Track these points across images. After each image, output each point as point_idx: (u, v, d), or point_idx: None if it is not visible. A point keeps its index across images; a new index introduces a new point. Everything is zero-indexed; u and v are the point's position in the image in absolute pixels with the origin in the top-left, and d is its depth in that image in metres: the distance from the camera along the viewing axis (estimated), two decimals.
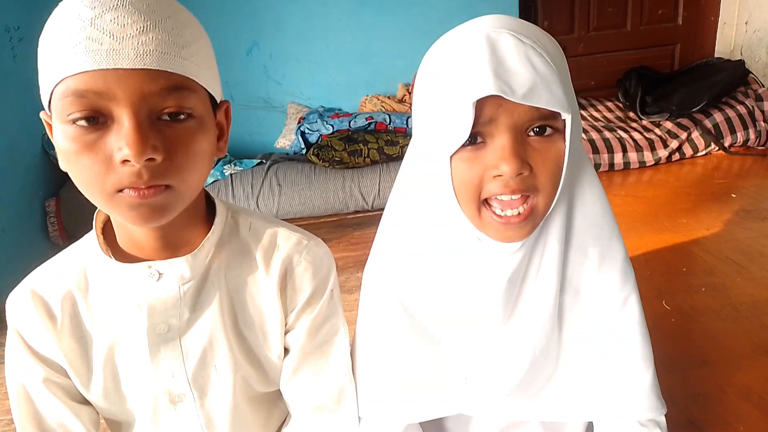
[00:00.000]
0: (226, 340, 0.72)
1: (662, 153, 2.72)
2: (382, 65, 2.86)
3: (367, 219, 2.38)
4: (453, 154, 0.64)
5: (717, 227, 2.03)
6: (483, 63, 0.60)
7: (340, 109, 2.83)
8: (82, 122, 0.57)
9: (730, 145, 2.76)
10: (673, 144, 2.72)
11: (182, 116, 0.60)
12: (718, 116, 2.77)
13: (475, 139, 0.64)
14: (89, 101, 0.56)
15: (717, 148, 2.76)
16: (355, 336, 0.83)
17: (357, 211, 2.45)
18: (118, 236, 0.69)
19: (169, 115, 0.59)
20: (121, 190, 0.58)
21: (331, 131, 2.43)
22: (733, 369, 1.30)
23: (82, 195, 0.55)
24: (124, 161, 0.57)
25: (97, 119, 0.57)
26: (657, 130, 2.82)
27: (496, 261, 0.71)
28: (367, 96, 2.83)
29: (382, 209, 2.57)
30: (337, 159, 2.34)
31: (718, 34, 3.25)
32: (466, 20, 2.42)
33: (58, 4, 0.55)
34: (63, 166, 0.62)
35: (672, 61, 3.32)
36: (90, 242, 0.72)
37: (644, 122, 2.92)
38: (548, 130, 0.64)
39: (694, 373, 1.30)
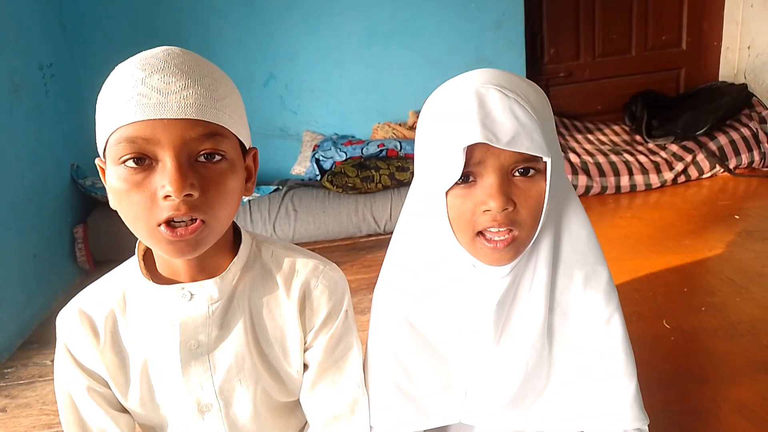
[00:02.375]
0: (249, 355, 0.81)
1: (668, 175, 2.77)
2: (393, 93, 2.97)
3: (379, 242, 2.46)
4: (448, 191, 0.74)
5: (719, 248, 2.08)
6: (472, 114, 0.70)
7: (353, 136, 2.94)
8: (131, 163, 0.67)
9: (735, 167, 2.81)
10: (679, 166, 2.78)
11: (216, 158, 0.70)
12: (722, 139, 2.83)
13: (467, 178, 0.73)
14: (138, 146, 0.66)
15: (722, 170, 2.81)
16: (367, 350, 0.91)
17: (369, 235, 2.53)
18: (156, 262, 0.79)
19: (204, 156, 0.69)
20: (160, 225, 0.68)
21: (344, 158, 2.53)
22: (729, 385, 1.35)
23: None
24: (166, 197, 0.66)
25: (144, 161, 0.67)
26: (663, 153, 2.89)
27: (487, 285, 0.80)
28: (379, 123, 2.93)
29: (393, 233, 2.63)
30: (350, 185, 2.44)
31: (721, 58, 3.33)
32: (472, 49, 2.62)
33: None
34: (113, 204, 0.73)
35: (677, 84, 3.39)
36: (131, 267, 0.81)
37: (650, 145, 2.99)
38: (531, 171, 0.73)
39: (690, 389, 1.36)
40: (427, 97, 3.07)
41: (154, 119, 0.65)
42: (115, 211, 2.51)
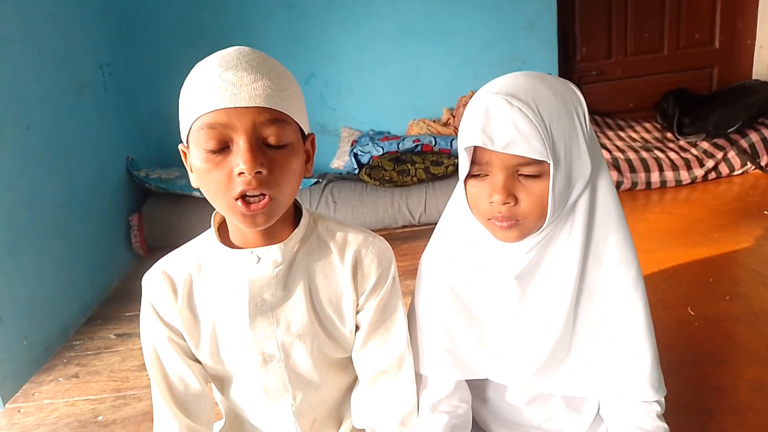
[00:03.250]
0: (307, 315, 0.93)
1: (698, 172, 2.81)
2: (427, 91, 3.08)
3: (414, 233, 2.57)
4: (467, 182, 0.88)
5: (747, 242, 2.13)
6: (476, 120, 0.82)
7: (388, 132, 3.06)
8: (212, 146, 0.79)
9: (767, 164, 2.83)
10: (710, 163, 2.82)
11: (281, 142, 0.82)
12: (754, 136, 2.85)
13: (481, 172, 0.86)
14: (217, 131, 0.79)
15: (753, 167, 2.84)
16: (411, 310, 1.02)
17: (405, 226, 2.65)
18: (231, 231, 0.91)
19: (271, 140, 0.81)
20: (237, 199, 0.80)
21: (381, 153, 2.65)
22: (748, 366, 1.43)
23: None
24: (240, 173, 0.79)
25: (221, 144, 0.79)
26: (693, 150, 2.92)
27: (509, 259, 0.92)
28: (414, 120, 3.05)
29: (428, 224, 2.80)
30: (387, 178, 2.56)
31: (755, 56, 3.34)
32: (504, 48, 2.75)
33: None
34: (195, 182, 0.85)
35: (710, 83, 3.41)
36: (207, 237, 0.94)
37: (681, 142, 3.02)
38: (536, 172, 0.84)
39: (711, 369, 1.44)
40: (460, 94, 3.21)
41: (230, 107, 0.78)
42: (168, 201, 2.72)
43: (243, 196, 0.80)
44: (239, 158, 0.78)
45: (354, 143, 2.85)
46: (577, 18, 3.23)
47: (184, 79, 0.85)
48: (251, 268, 0.90)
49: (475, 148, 0.84)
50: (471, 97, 3.02)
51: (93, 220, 2.30)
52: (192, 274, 0.93)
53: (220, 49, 0.85)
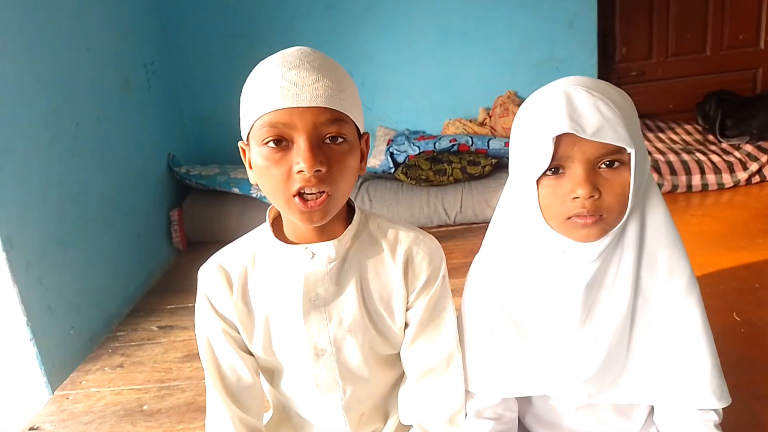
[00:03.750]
0: (359, 310, 0.94)
1: (741, 175, 2.74)
2: (463, 91, 3.07)
3: (449, 233, 2.57)
4: (539, 181, 0.84)
5: None
6: (561, 109, 0.80)
7: (424, 132, 3.06)
8: (272, 144, 0.81)
9: None
10: (753, 167, 2.75)
11: (339, 140, 0.83)
12: None
13: (557, 170, 0.83)
14: (278, 130, 0.80)
15: None
16: (459, 319, 1.02)
17: (440, 225, 2.64)
18: (286, 226, 0.93)
19: (330, 139, 0.82)
20: (294, 196, 0.82)
21: (417, 152, 2.65)
22: None
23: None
24: (300, 171, 0.80)
25: (281, 142, 0.81)
26: (736, 153, 2.86)
27: (576, 270, 0.89)
28: (450, 119, 3.04)
29: (464, 224, 2.77)
30: (423, 177, 2.56)
31: None
32: (543, 49, 2.77)
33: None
34: (254, 179, 0.87)
35: (753, 85, 3.33)
36: (262, 231, 0.96)
37: (723, 145, 2.96)
38: (616, 163, 0.82)
39: (759, 376, 1.40)
40: (497, 94, 3.20)
41: (292, 107, 0.79)
42: (207, 197, 2.76)
43: (300, 193, 0.81)
44: (299, 156, 0.79)
45: (390, 142, 2.86)
46: (617, 18, 3.18)
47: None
48: (306, 263, 0.91)
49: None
50: (508, 97, 3.02)
51: (136, 215, 2.36)
52: (247, 267, 0.95)
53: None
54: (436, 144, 2.67)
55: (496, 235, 1.00)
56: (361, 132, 0.90)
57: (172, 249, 2.63)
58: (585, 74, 3.02)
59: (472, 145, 2.64)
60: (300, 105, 0.79)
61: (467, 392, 1.00)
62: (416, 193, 2.63)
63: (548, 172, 0.83)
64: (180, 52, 2.91)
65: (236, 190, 2.56)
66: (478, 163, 2.56)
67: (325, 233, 0.92)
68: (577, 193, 0.81)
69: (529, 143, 0.85)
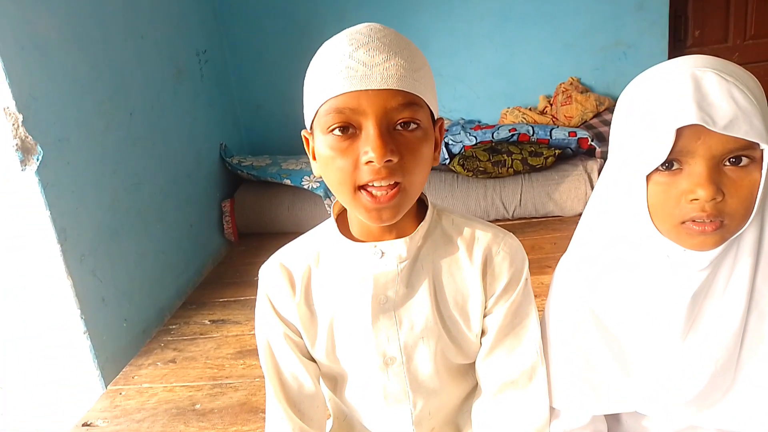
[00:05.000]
0: (432, 315, 0.85)
1: None
2: (522, 78, 2.92)
3: (506, 227, 2.37)
4: (649, 177, 0.72)
5: None
6: (687, 95, 0.67)
7: (479, 121, 2.94)
8: (338, 131, 0.72)
9: None
10: None
11: (412, 126, 0.73)
12: None
13: (671, 165, 0.71)
14: (345, 116, 0.71)
15: None
16: (543, 327, 0.91)
17: (497, 220, 2.53)
18: (353, 223, 0.84)
19: (402, 125, 0.73)
20: (362, 189, 0.73)
21: (474, 142, 2.53)
22: None
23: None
24: (369, 162, 0.71)
25: (348, 129, 0.72)
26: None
27: (682, 277, 0.77)
28: (508, 108, 2.90)
29: (522, 218, 2.63)
30: (481, 169, 2.44)
31: None
32: (609, 32, 2.58)
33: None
34: (318, 171, 0.79)
35: None
36: (327, 228, 0.88)
37: None
38: (744, 160, 0.69)
39: None
40: (558, 81, 3.00)
41: (360, 90, 0.70)
42: (259, 188, 2.70)
43: (368, 188, 0.73)
44: (368, 145, 0.70)
45: (445, 132, 2.74)
46: None
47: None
48: (375, 263, 0.82)
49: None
50: (571, 84, 2.86)
51: (189, 205, 2.33)
52: (311, 266, 0.87)
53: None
54: (494, 134, 2.54)
55: (588, 234, 0.88)
56: (436, 117, 0.81)
57: (224, 240, 2.60)
58: (655, 60, 2.81)
59: (533, 135, 2.50)
60: (369, 87, 0.70)
61: (551, 409, 0.89)
62: (472, 186, 2.51)
63: (661, 167, 0.71)
64: (232, 41, 2.86)
65: (287, 182, 2.51)
66: (540, 153, 2.43)
67: (395, 230, 0.83)
68: (696, 194, 0.69)
69: (641, 132, 0.73)
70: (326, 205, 2.42)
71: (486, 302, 0.87)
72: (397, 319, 0.85)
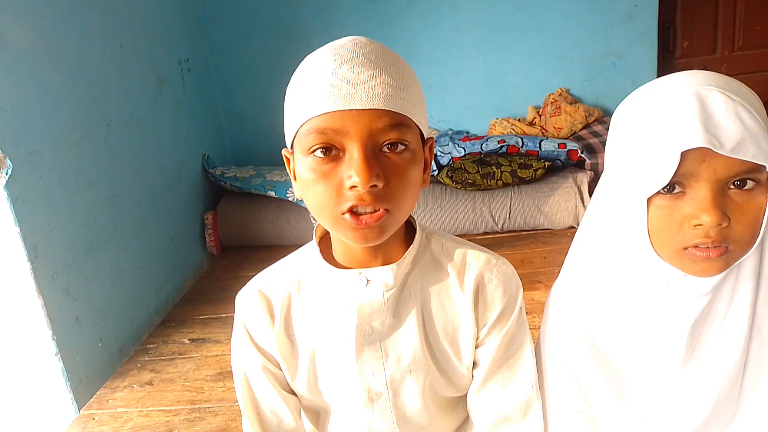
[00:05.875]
0: (421, 347, 0.79)
1: None
2: (511, 88, 2.89)
3: (496, 240, 2.40)
4: (649, 200, 0.68)
5: None
6: (693, 116, 0.63)
7: (468, 132, 2.90)
8: (320, 153, 0.67)
9: None
10: None
11: (400, 148, 0.68)
12: None
13: (672, 188, 0.67)
14: (327, 137, 0.66)
15: None
16: (537, 359, 0.86)
17: (486, 233, 2.48)
18: (336, 247, 0.79)
19: (389, 146, 0.67)
20: (344, 213, 0.67)
21: (462, 154, 2.49)
22: None
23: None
24: (352, 187, 0.66)
25: (331, 151, 0.67)
26: None
27: (682, 304, 0.73)
28: (497, 119, 2.87)
29: (511, 231, 2.58)
30: (470, 181, 2.40)
31: None
32: (599, 43, 2.53)
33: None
34: (299, 193, 0.73)
35: None
36: (309, 252, 0.82)
37: None
38: (749, 183, 0.66)
39: None
40: (547, 92, 2.96)
41: (344, 110, 0.65)
42: (243, 200, 2.61)
43: (352, 210, 0.67)
44: (352, 169, 0.65)
45: (434, 151, 2.70)
46: (678, 9, 2.95)
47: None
48: (359, 291, 0.77)
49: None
50: (560, 95, 2.83)
51: (169, 218, 2.26)
52: (291, 293, 0.82)
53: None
54: (483, 145, 2.49)
55: (583, 257, 0.84)
56: (425, 137, 0.75)
57: (206, 254, 2.53)
58: (643, 71, 2.79)
59: (522, 147, 2.46)
60: (353, 107, 0.65)
61: None
62: (461, 198, 2.47)
63: (662, 190, 0.67)
64: (216, 49, 2.80)
65: (272, 193, 2.44)
66: (529, 165, 2.39)
67: (380, 255, 0.77)
68: (701, 219, 0.65)
69: (642, 153, 0.68)
70: (311, 218, 2.35)
71: (478, 333, 0.81)
72: (383, 351, 0.79)
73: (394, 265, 0.77)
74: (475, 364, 0.83)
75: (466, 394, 0.86)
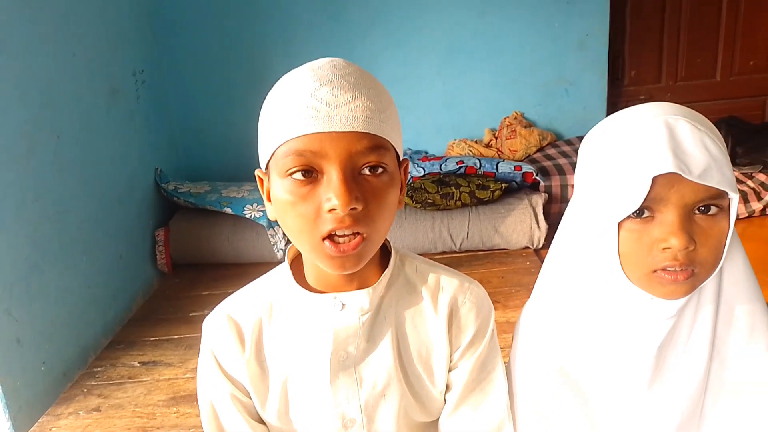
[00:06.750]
0: (395, 371, 0.78)
1: (756, 206, 2.65)
2: (469, 110, 2.95)
3: (454, 260, 2.42)
4: (620, 225, 0.70)
5: None
6: (663, 144, 0.66)
7: (426, 152, 2.92)
8: (298, 175, 0.65)
9: None
10: None
11: (379, 171, 0.68)
12: None
13: (642, 212, 0.69)
14: (306, 159, 0.65)
15: None
16: (510, 388, 0.87)
17: (444, 252, 2.50)
18: (309, 270, 0.77)
19: (369, 169, 0.67)
20: (324, 239, 0.66)
21: (422, 174, 2.51)
22: None
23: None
24: (331, 210, 0.64)
25: (310, 173, 0.65)
26: (749, 182, 2.76)
27: (649, 326, 0.76)
28: (455, 140, 2.91)
29: (469, 251, 2.60)
30: (429, 201, 2.42)
31: None
32: (552, 69, 2.63)
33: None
34: (274, 215, 0.71)
35: (763, 112, 3.27)
36: (281, 276, 0.79)
37: (735, 173, 2.86)
38: (713, 209, 0.69)
39: None
40: (503, 115, 3.03)
41: (323, 132, 0.64)
42: (196, 216, 2.53)
43: (331, 236, 0.66)
44: (331, 192, 0.64)
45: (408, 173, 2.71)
46: (627, 40, 3.10)
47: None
48: (334, 315, 0.75)
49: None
50: (515, 118, 2.90)
51: (119, 235, 2.17)
52: (262, 319, 0.79)
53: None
54: (442, 165, 2.52)
55: (553, 280, 0.85)
56: (401, 158, 0.75)
57: (156, 272, 2.44)
58: (594, 97, 2.89)
59: (479, 168, 2.50)
60: (333, 129, 0.64)
61: None
62: (420, 218, 2.48)
63: (632, 215, 0.69)
64: (172, 61, 2.73)
65: (228, 210, 2.39)
66: (487, 187, 2.42)
67: (356, 279, 0.76)
68: (669, 242, 0.68)
69: (614, 178, 0.71)
70: (269, 236, 2.31)
71: (451, 355, 0.81)
72: (357, 376, 0.78)
73: (370, 289, 0.75)
74: (448, 388, 0.82)
75: (437, 419, 0.85)
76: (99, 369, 1.77)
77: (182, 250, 2.44)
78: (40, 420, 1.53)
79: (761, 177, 2.77)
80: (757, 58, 3.18)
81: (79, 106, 1.95)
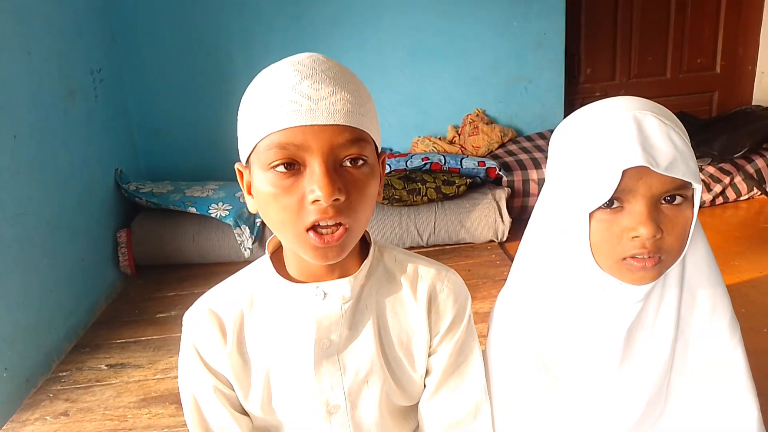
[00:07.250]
0: (377, 357, 0.80)
1: (705, 197, 2.77)
2: (432, 108, 2.99)
3: (422, 254, 2.45)
4: (591, 215, 0.74)
5: None
6: (632, 138, 0.70)
7: (392, 149, 2.95)
8: (281, 168, 0.67)
9: None
10: (716, 188, 2.78)
11: (360, 163, 0.70)
12: (760, 162, 2.83)
13: (611, 203, 0.73)
14: (289, 152, 0.66)
15: (759, 192, 2.82)
16: (487, 372, 0.90)
17: (412, 247, 2.52)
18: (291, 262, 0.78)
19: (350, 162, 0.69)
20: (308, 230, 0.68)
21: (388, 170, 2.53)
22: None
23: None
24: (315, 201, 0.66)
25: (293, 166, 0.67)
26: (700, 175, 2.89)
27: (618, 310, 0.80)
28: (419, 137, 2.94)
29: (436, 245, 2.65)
30: (396, 197, 2.44)
31: (756, 82, 3.35)
32: (512, 67, 2.72)
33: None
34: (256, 208, 0.72)
35: (710, 107, 3.42)
36: (261, 267, 0.80)
37: None
38: (678, 199, 0.73)
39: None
40: (466, 112, 3.10)
41: (305, 125, 0.65)
42: (159, 217, 2.50)
43: (315, 227, 0.67)
44: (314, 183, 0.66)
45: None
46: (582, 39, 3.20)
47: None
48: (317, 305, 0.76)
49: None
50: (477, 115, 2.95)
51: (80, 237, 2.12)
52: (243, 311, 0.80)
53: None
54: (408, 162, 2.55)
55: (526, 269, 0.89)
56: (379, 150, 0.77)
57: (119, 274, 2.39)
58: (552, 94, 2.98)
59: (444, 164, 2.54)
60: (315, 123, 0.65)
61: None
62: (387, 214, 2.50)
63: (603, 205, 0.73)
64: (131, 60, 2.68)
65: (193, 210, 2.36)
66: (453, 182, 2.46)
67: (336, 269, 0.78)
68: (638, 231, 0.72)
69: (585, 171, 0.74)
70: (236, 235, 2.29)
71: (431, 341, 0.83)
72: (341, 364, 0.79)
73: (351, 278, 0.77)
74: (427, 372, 0.85)
75: (417, 403, 0.87)
76: (64, 374, 1.72)
77: (146, 252, 2.40)
78: (4, 427, 1.49)
79: (710, 170, 2.90)
80: (703, 56, 3.33)
81: (35, 106, 1.89)
